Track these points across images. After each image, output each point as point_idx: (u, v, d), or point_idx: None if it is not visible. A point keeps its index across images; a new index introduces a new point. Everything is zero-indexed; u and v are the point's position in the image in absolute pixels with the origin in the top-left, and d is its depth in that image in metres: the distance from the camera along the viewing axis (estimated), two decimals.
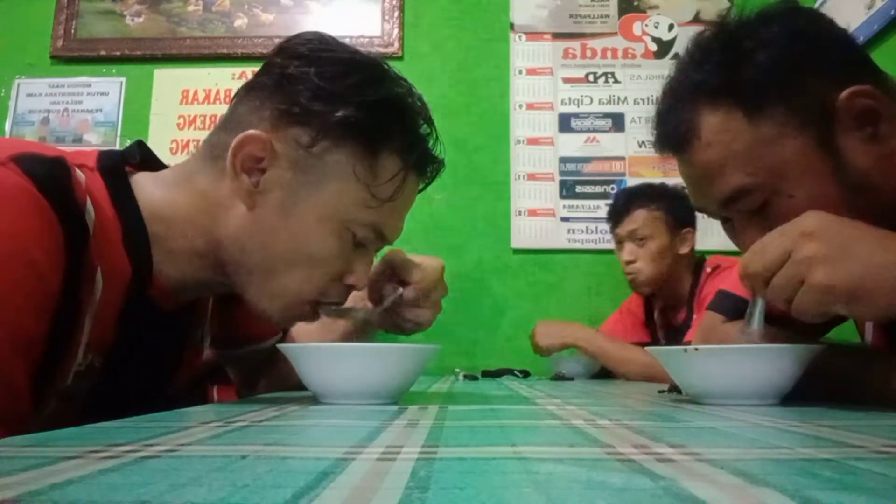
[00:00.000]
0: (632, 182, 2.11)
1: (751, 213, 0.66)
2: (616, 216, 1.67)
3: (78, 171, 0.55)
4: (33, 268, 0.49)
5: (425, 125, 0.67)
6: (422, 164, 0.68)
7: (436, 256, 0.78)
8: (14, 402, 0.49)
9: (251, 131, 0.61)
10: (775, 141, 0.63)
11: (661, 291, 1.65)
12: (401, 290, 0.73)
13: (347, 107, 0.61)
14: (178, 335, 0.72)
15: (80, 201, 0.53)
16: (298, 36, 0.66)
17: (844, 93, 0.61)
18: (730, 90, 0.64)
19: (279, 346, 0.64)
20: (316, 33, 0.67)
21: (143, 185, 0.62)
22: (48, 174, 0.51)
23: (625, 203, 1.66)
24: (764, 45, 0.64)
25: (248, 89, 0.66)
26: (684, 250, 1.60)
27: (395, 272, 0.75)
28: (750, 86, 0.64)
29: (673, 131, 0.69)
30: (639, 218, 1.61)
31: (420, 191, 0.72)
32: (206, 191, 0.63)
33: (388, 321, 0.77)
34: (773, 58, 0.63)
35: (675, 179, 2.06)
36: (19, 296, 0.48)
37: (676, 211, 1.56)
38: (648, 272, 1.59)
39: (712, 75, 0.66)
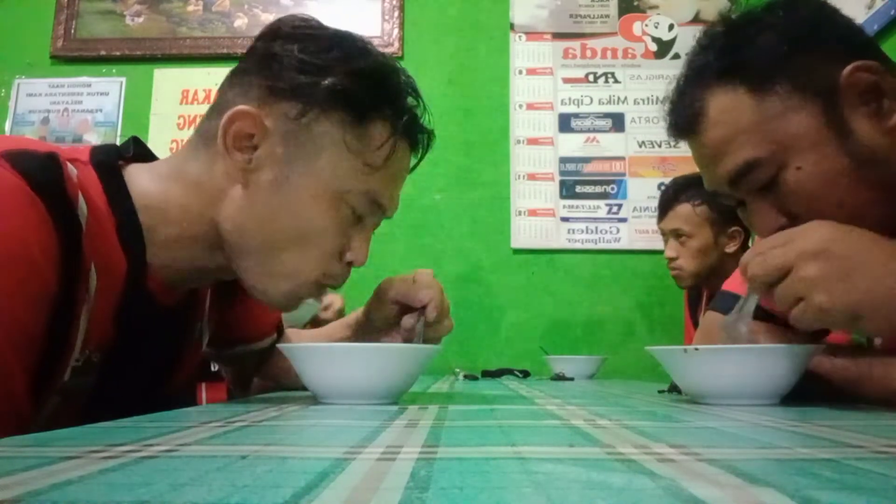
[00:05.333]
0: (632, 182, 2.11)
1: (761, 191, 0.66)
2: (661, 210, 1.64)
3: (70, 165, 0.54)
4: (32, 267, 0.49)
5: (411, 97, 0.68)
6: (411, 131, 0.68)
7: (421, 269, 0.79)
8: (13, 401, 0.49)
9: (240, 107, 0.61)
10: (781, 115, 0.64)
11: (708, 286, 1.61)
12: (422, 318, 0.74)
13: (333, 76, 0.61)
14: (178, 330, 0.72)
15: (72, 197, 0.52)
16: (280, 19, 0.67)
17: (847, 68, 0.62)
18: (735, 69, 0.66)
19: (279, 346, 0.64)
20: (296, 16, 0.67)
21: (137, 177, 0.62)
22: (40, 170, 0.51)
23: (671, 197, 1.62)
24: (767, 28, 0.65)
25: (234, 74, 0.66)
26: (731, 249, 1.55)
27: (400, 301, 0.76)
28: (754, 64, 0.65)
29: (682, 115, 0.70)
30: (681, 215, 1.57)
31: (415, 166, 0.72)
32: (199, 176, 0.63)
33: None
34: (777, 38, 0.64)
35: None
36: (18, 295, 0.49)
37: (724, 207, 1.51)
38: (690, 269, 1.57)
39: (717, 57, 0.67)
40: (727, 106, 0.66)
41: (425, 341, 0.74)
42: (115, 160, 0.62)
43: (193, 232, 0.63)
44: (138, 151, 0.65)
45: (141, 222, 0.60)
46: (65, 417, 0.56)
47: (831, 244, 0.53)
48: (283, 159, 0.62)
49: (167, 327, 0.68)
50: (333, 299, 1.66)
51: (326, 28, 0.66)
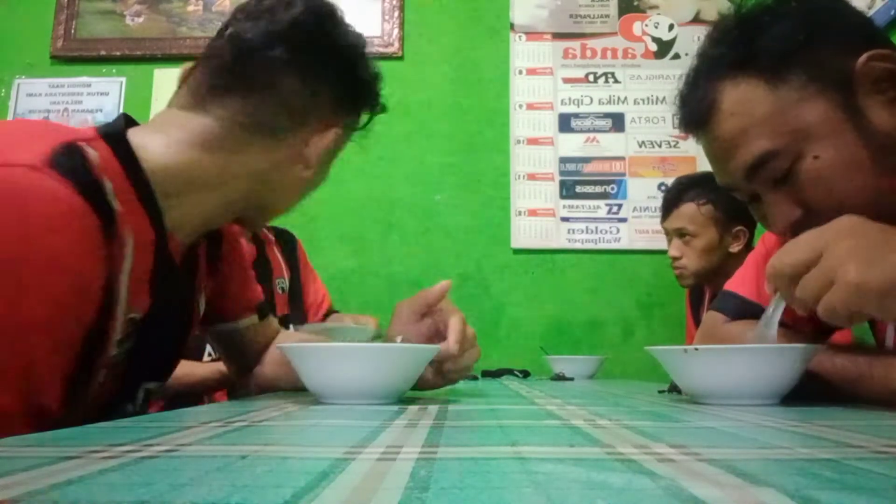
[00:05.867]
0: (632, 182, 2.11)
1: (778, 183, 0.66)
2: (665, 209, 1.65)
3: (89, 149, 0.55)
4: (79, 278, 0.52)
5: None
6: None
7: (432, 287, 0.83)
8: (45, 400, 0.52)
9: (336, 131, 0.73)
10: (797, 105, 0.63)
11: (710, 286, 1.61)
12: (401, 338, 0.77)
13: (375, 94, 0.77)
14: (188, 285, 0.75)
15: (101, 183, 0.54)
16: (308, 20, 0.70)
17: (863, 57, 0.61)
18: (749, 60, 0.65)
19: (279, 346, 0.64)
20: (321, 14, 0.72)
21: (145, 143, 0.62)
22: (78, 170, 0.53)
23: (675, 196, 1.62)
24: (781, 18, 0.65)
25: (307, 78, 0.69)
26: (735, 249, 1.55)
27: (420, 312, 0.81)
28: (768, 54, 0.64)
29: (695, 108, 0.70)
30: (686, 214, 1.58)
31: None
32: (246, 159, 0.68)
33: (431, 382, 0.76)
34: (791, 27, 0.64)
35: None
36: (66, 307, 0.52)
37: (729, 207, 1.50)
38: (693, 269, 1.57)
39: (731, 48, 0.67)
40: (742, 97, 0.65)
41: (449, 379, 0.76)
42: (121, 130, 0.63)
43: (226, 198, 0.69)
44: (129, 125, 0.67)
45: (157, 188, 0.62)
46: (111, 382, 0.61)
47: (860, 228, 0.52)
48: (331, 151, 0.75)
49: (181, 284, 0.72)
50: (368, 321, 1.60)
51: (346, 27, 0.75)
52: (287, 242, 1.58)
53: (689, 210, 1.58)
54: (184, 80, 0.69)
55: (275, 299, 1.43)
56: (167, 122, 0.66)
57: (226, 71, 0.66)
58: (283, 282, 1.48)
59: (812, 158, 0.63)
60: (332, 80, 0.71)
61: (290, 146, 0.69)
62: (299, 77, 0.68)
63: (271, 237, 1.55)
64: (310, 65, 0.68)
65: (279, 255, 1.52)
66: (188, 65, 0.70)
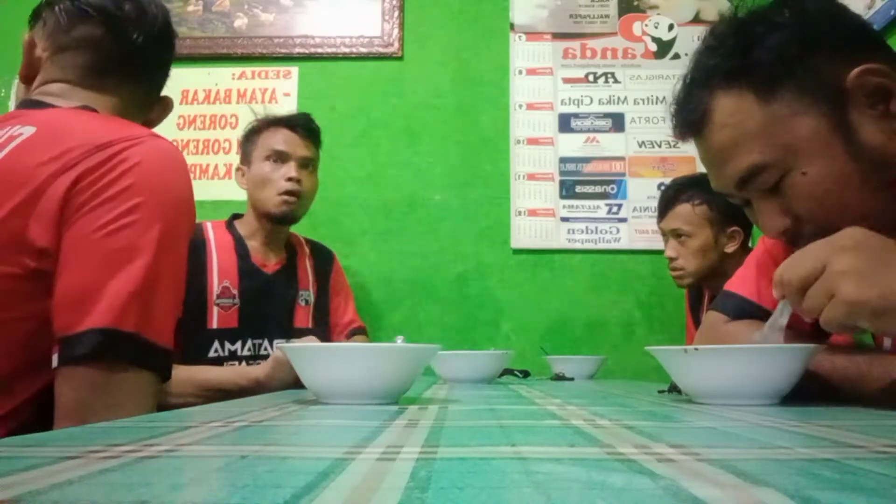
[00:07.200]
0: (632, 182, 2.11)
1: (767, 192, 0.66)
2: (661, 210, 1.66)
3: None
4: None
5: None
6: None
7: None
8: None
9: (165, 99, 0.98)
10: (787, 120, 0.63)
11: (708, 286, 1.62)
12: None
13: None
14: None
15: None
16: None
17: (854, 71, 0.61)
18: (742, 72, 0.65)
19: (280, 345, 0.64)
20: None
21: None
22: None
23: (670, 197, 1.63)
24: (775, 28, 0.65)
25: (161, 58, 0.90)
26: (731, 249, 1.56)
27: None
28: (761, 67, 0.64)
29: (689, 116, 0.70)
30: (681, 215, 1.58)
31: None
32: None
33: None
34: (784, 39, 0.64)
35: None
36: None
37: (724, 207, 1.50)
38: (690, 269, 1.58)
39: (725, 59, 0.67)
40: (734, 109, 0.66)
41: None
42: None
43: None
44: None
45: None
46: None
47: (864, 241, 0.53)
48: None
49: None
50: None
51: None
52: (322, 258, 1.59)
53: (684, 211, 1.58)
54: (30, 49, 0.88)
55: (296, 310, 1.45)
56: (84, 100, 0.80)
57: (117, 62, 0.82)
58: (307, 294, 1.49)
59: (800, 174, 0.63)
60: (170, 66, 0.92)
61: (153, 113, 0.92)
62: (166, 66, 0.91)
63: (306, 249, 1.57)
64: (170, 57, 0.91)
65: (309, 269, 1.53)
66: (28, 34, 0.90)
